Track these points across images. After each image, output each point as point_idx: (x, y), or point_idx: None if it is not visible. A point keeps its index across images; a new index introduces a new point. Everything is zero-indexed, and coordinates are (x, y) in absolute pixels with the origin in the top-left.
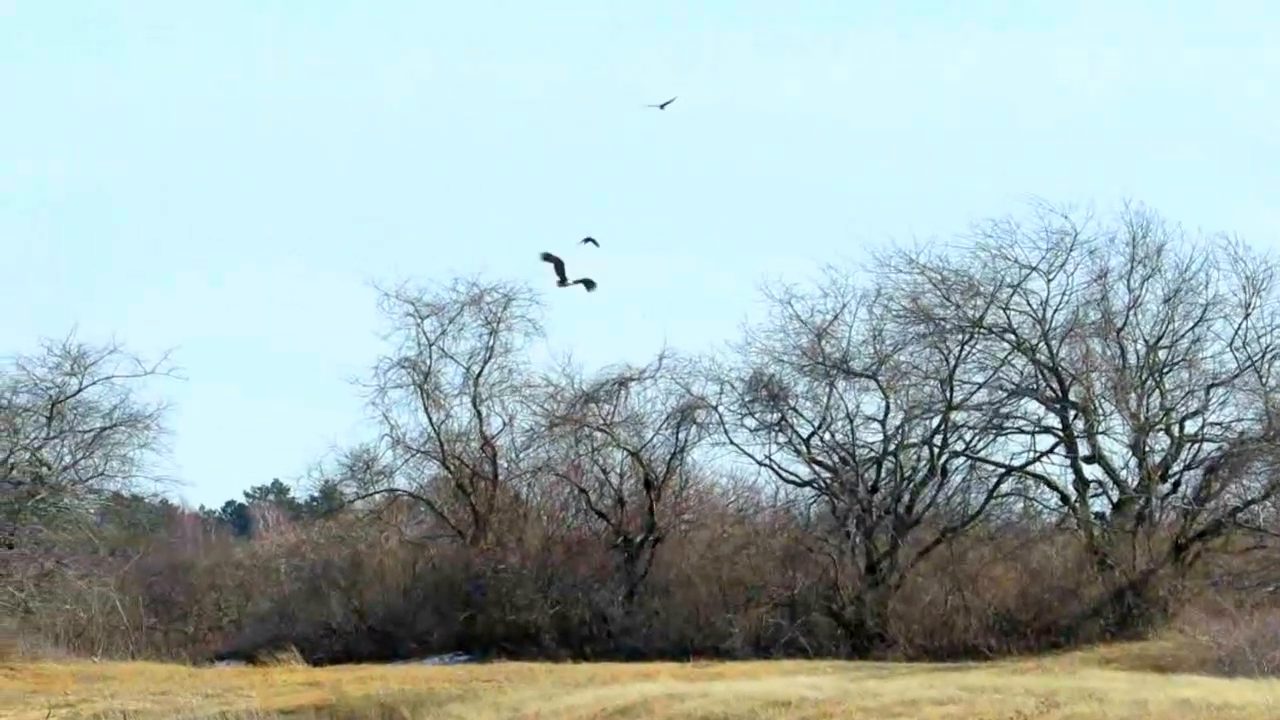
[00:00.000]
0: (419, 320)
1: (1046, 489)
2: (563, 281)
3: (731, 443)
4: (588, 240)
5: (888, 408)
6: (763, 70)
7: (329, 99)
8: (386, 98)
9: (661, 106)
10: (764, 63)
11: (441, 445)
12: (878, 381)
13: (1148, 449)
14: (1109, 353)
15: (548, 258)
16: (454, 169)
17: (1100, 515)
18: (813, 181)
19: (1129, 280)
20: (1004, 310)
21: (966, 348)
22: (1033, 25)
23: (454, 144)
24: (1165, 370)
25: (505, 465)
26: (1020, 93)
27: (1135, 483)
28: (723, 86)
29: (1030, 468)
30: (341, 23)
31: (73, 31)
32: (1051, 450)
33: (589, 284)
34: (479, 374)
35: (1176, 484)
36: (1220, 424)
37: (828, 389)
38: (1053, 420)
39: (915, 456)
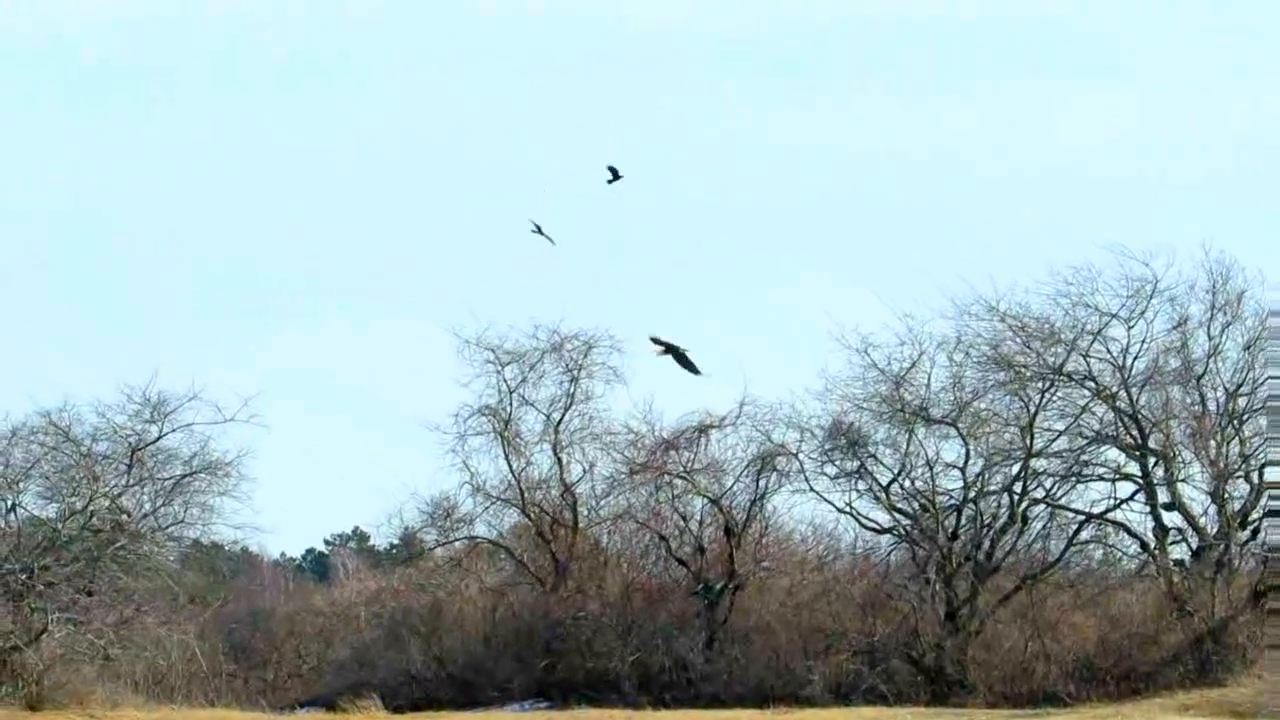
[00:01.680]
0: (499, 367)
1: (1126, 536)
2: (681, 361)
3: (811, 490)
4: (613, 174)
5: (967, 455)
6: (849, 115)
7: (414, 140)
8: (470, 140)
9: (612, 178)
10: (850, 109)
11: (521, 492)
12: (957, 429)
13: (1227, 496)
14: (1189, 400)
15: (658, 342)
16: (536, 214)
17: (1180, 562)
18: (892, 226)
19: (1209, 327)
20: (1084, 357)
21: (1047, 395)
22: (1106, 75)
23: (535, 189)
24: (1245, 417)
25: (585, 512)
26: (1097, 139)
27: (1215, 530)
28: (811, 131)
29: (1110, 515)
30: (430, 66)
31: (151, 76)
32: (1131, 498)
33: (692, 368)
34: (559, 421)
35: (1256, 531)
36: None
37: (907, 436)
38: (1133, 468)
39: (995, 504)
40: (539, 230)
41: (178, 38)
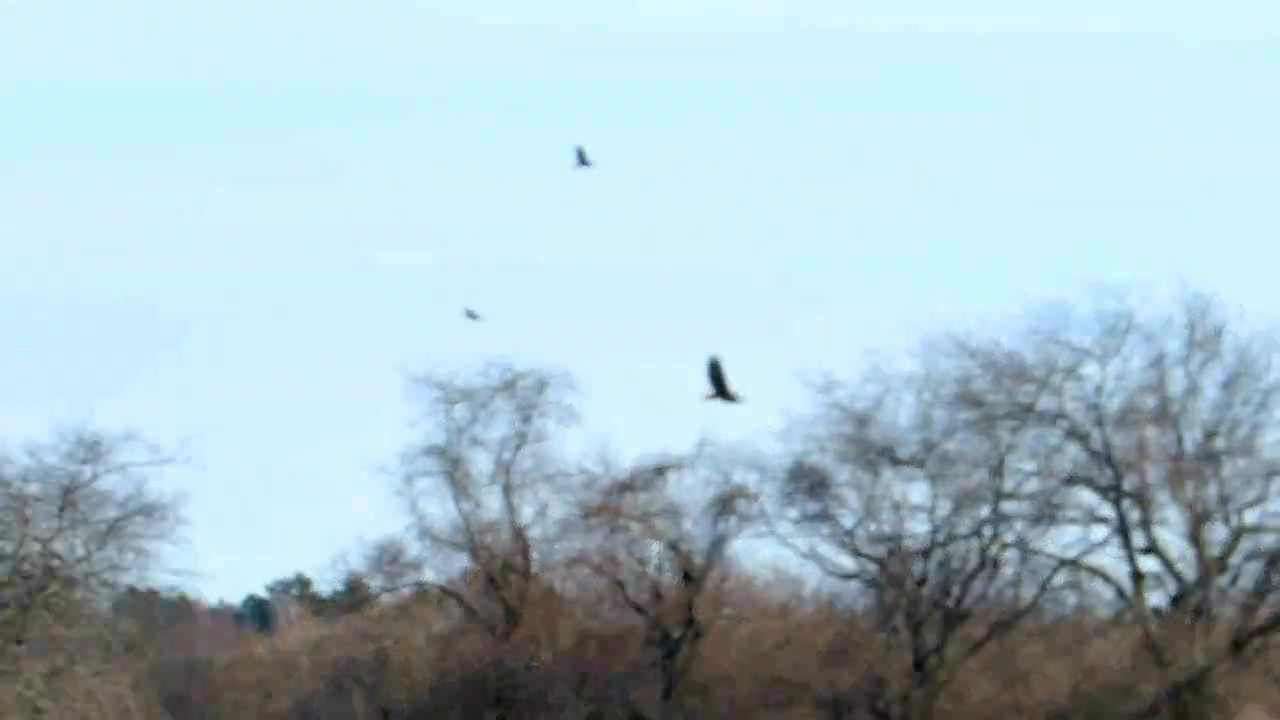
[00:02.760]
0: (448, 406)
1: (1101, 582)
2: (720, 395)
3: (773, 534)
4: (580, 158)
5: (935, 497)
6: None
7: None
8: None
9: (580, 160)
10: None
11: (471, 536)
12: (925, 470)
13: (1205, 540)
14: (1165, 440)
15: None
16: (488, 249)
17: (1156, 609)
18: (850, 263)
19: (1186, 365)
20: (1056, 396)
21: (1017, 435)
22: (1080, 104)
23: (485, 225)
24: (1223, 458)
25: (538, 557)
26: (1069, 168)
27: (1193, 575)
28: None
29: (1084, 559)
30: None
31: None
32: (1106, 542)
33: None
34: (511, 462)
35: (1235, 577)
36: None
37: (872, 478)
38: (1107, 510)
39: (964, 548)
40: (471, 315)
41: None
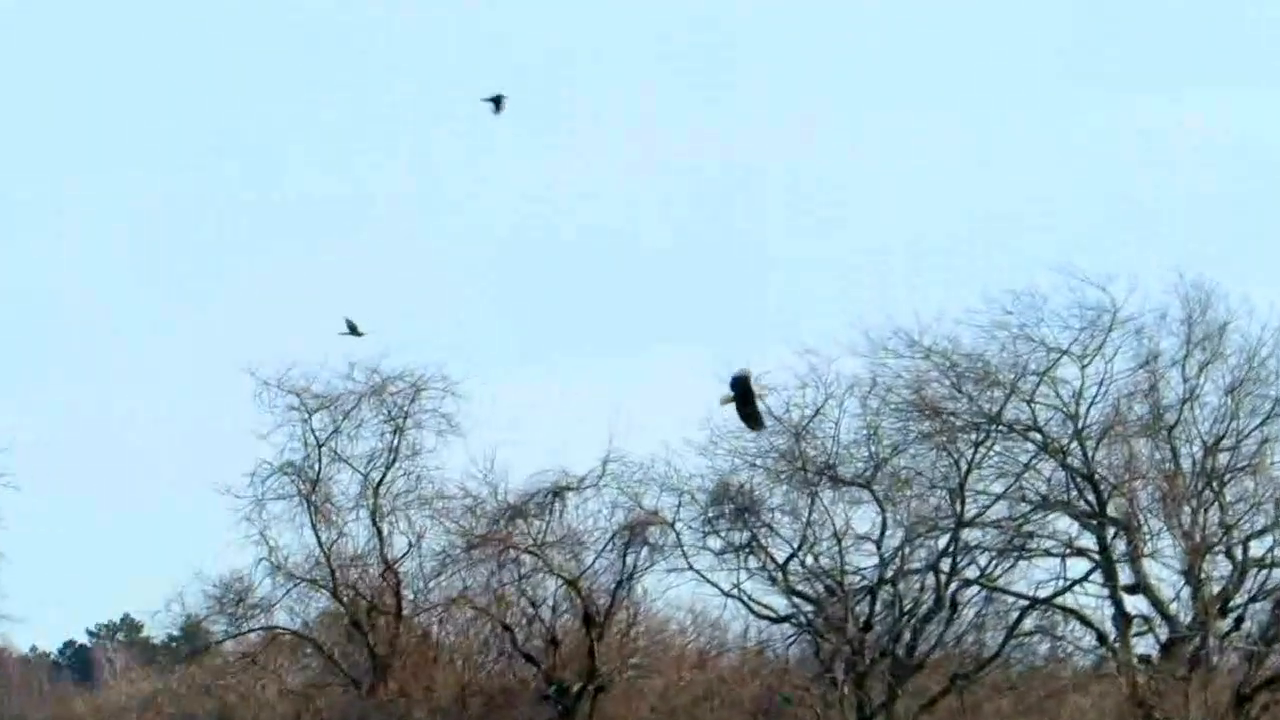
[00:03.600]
0: (306, 415)
1: (1079, 626)
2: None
3: (691, 568)
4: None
5: (884, 524)
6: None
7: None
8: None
9: (495, 106)
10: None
11: (332, 571)
12: (872, 492)
13: (1204, 576)
14: (1157, 456)
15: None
16: (353, 234)
17: (1145, 658)
18: (784, 248)
19: (1183, 367)
20: (1028, 404)
21: (981, 450)
22: (1064, 70)
23: (356, 203)
24: (1227, 478)
25: (411, 596)
26: (1048, 142)
27: (1188, 618)
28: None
29: (1059, 599)
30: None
31: None
32: (1086, 578)
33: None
34: (380, 482)
35: (1239, 620)
36: None
37: (809, 501)
38: (1087, 540)
39: (918, 585)
40: (352, 329)
41: None
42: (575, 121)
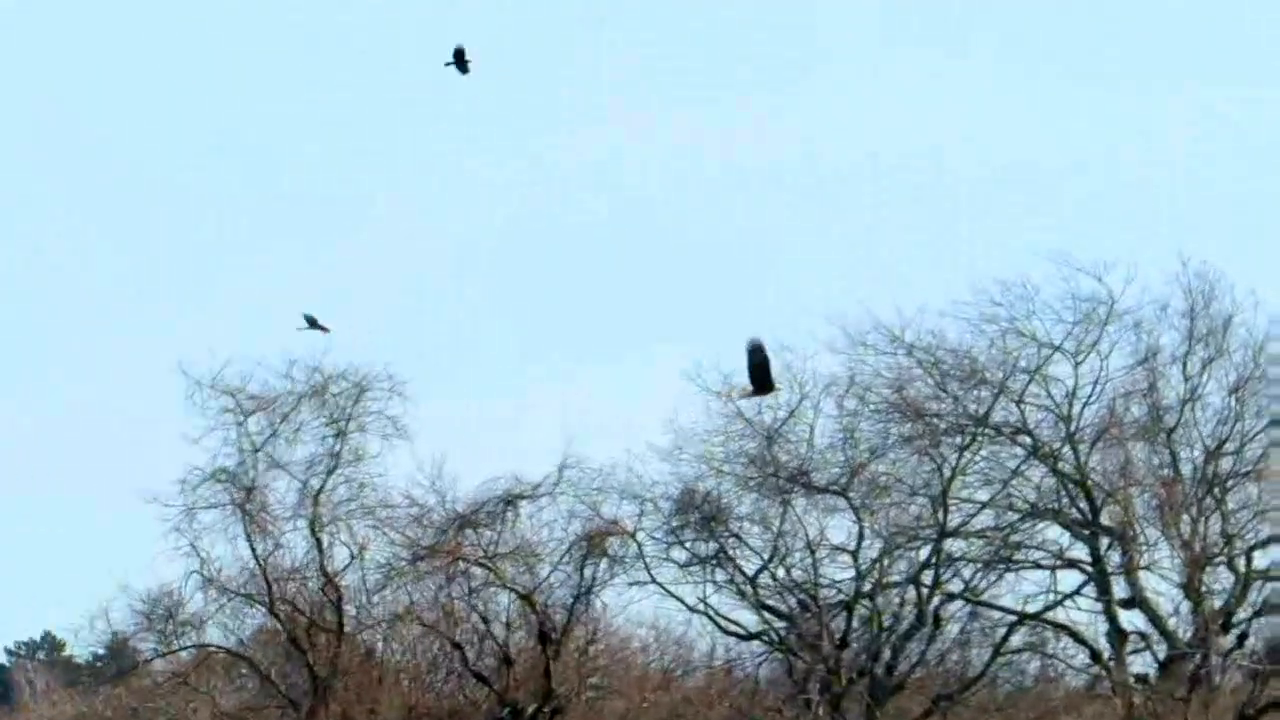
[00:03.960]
0: (241, 418)
1: (1071, 643)
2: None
3: (654, 582)
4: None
5: (861, 534)
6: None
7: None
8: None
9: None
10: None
11: (269, 585)
12: (848, 499)
13: (1205, 589)
14: (1155, 461)
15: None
16: (295, 220)
17: (1142, 678)
18: (755, 237)
19: (1184, 365)
20: (1017, 404)
21: (967, 454)
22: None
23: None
24: (1230, 485)
25: (353, 612)
26: (1040, 119)
27: (1188, 634)
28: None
29: (1050, 614)
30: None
31: None
32: (1078, 591)
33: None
34: (320, 490)
35: (1243, 636)
36: None
37: (781, 509)
38: (1080, 551)
39: (898, 600)
40: (312, 324)
41: None
42: (537, 120)
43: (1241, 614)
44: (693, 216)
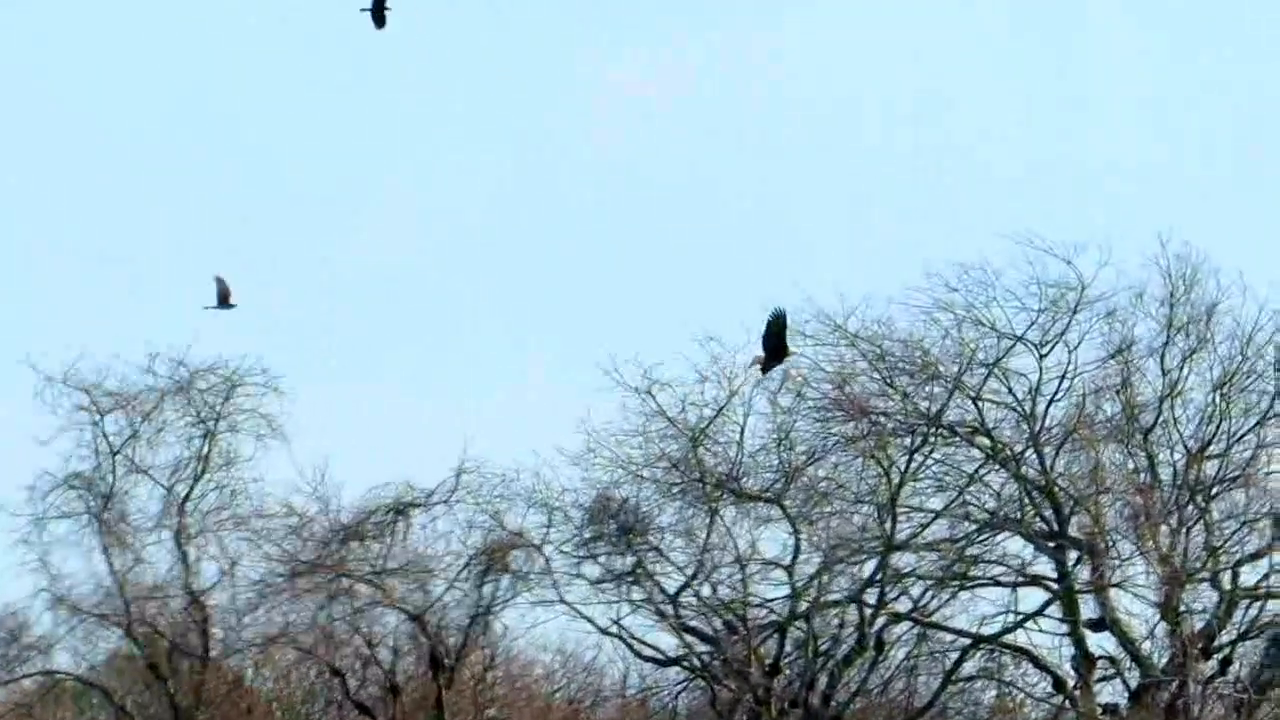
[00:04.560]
0: (97, 417)
1: (1032, 669)
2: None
3: (562, 601)
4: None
5: (797, 547)
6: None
7: None
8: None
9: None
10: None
11: (127, 605)
12: (783, 508)
13: (1185, 609)
14: (1130, 465)
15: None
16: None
17: (1112, 708)
18: (680, 216)
19: (1163, 357)
20: (974, 402)
21: (917, 458)
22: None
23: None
24: (1213, 491)
25: (221, 635)
26: (1004, 83)
27: (1164, 660)
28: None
29: (1009, 637)
30: None
31: None
32: (1041, 611)
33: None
34: (186, 497)
35: (1226, 662)
36: None
37: (707, 520)
38: (1044, 566)
39: (837, 621)
40: (223, 300)
41: None
42: (454, 106)
43: (1225, 637)
44: (611, 191)
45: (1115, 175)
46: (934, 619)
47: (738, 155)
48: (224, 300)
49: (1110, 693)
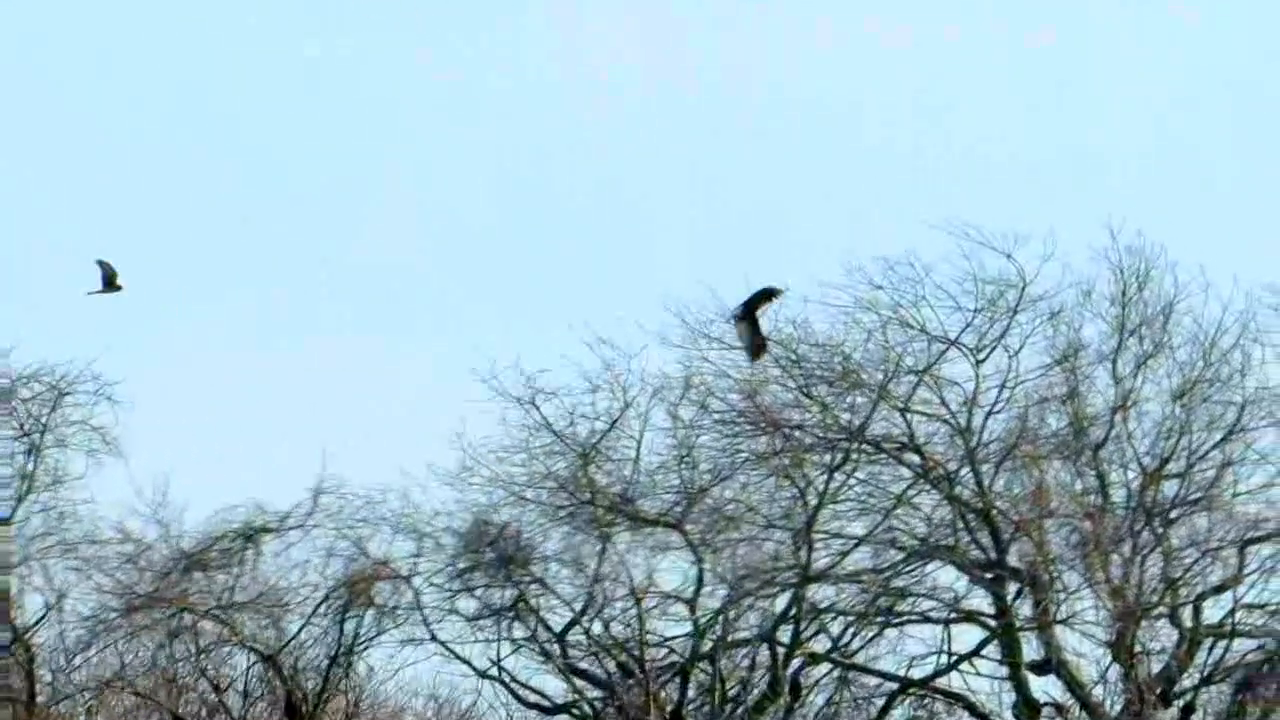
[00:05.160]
0: None
1: (968, 716)
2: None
3: (435, 639)
4: None
5: (701, 579)
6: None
7: None
8: None
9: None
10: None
11: None
12: (685, 534)
13: (1140, 649)
14: (1078, 486)
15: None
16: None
17: None
18: (577, 209)
19: (1115, 364)
20: (902, 413)
21: (837, 477)
22: None
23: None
24: (1173, 516)
25: (49, 677)
26: (935, 51)
27: (1118, 707)
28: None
29: (942, 680)
30: None
31: None
32: (978, 651)
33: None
34: (8, 521)
35: (1188, 709)
36: (1262, 607)
37: (599, 548)
38: (981, 600)
39: (747, 661)
40: (109, 282)
41: None
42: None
43: (1186, 681)
44: (497, 177)
45: (1059, 159)
46: (857, 660)
47: (643, 139)
48: (110, 283)
49: None
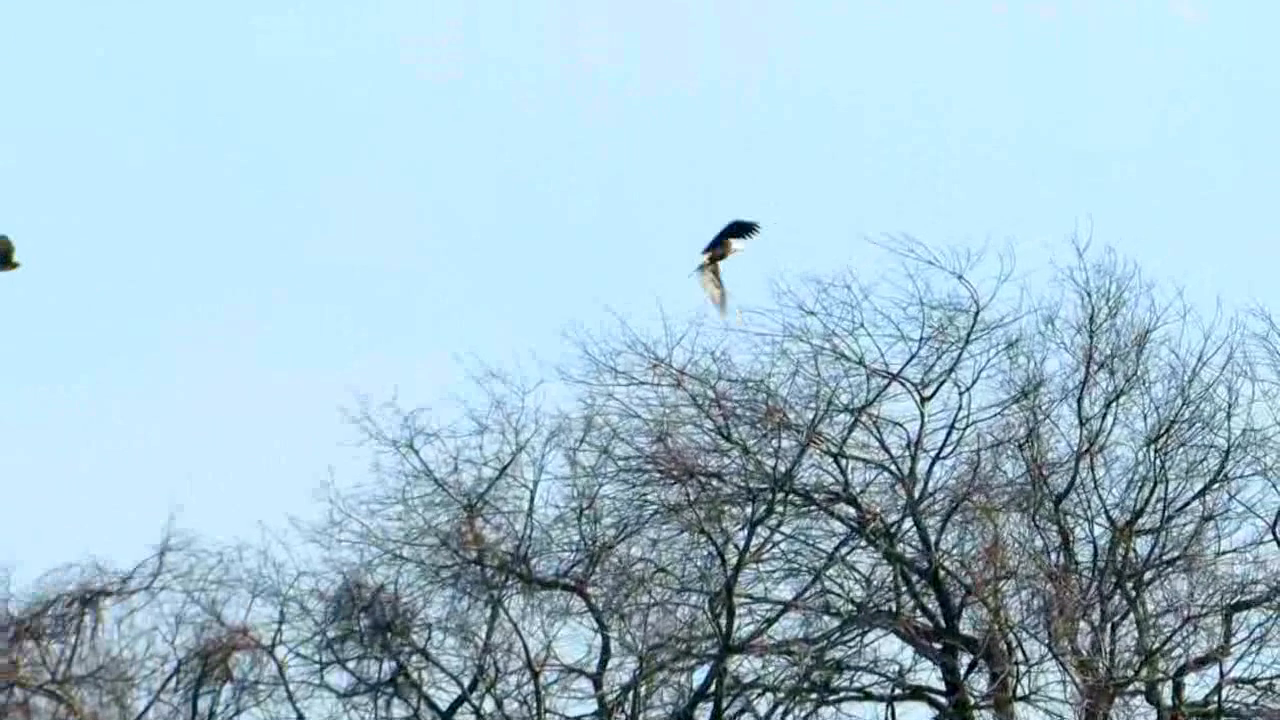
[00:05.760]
0: None
1: None
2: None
3: (302, 718)
4: None
5: (607, 649)
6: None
7: None
8: None
9: None
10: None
11: None
12: (587, 598)
13: None
14: (1039, 543)
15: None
16: None
17: None
18: (466, 222)
19: (1080, 398)
20: (835, 459)
21: (761, 532)
22: None
23: None
24: (1147, 578)
25: None
26: (881, 45)
27: None
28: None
29: None
30: None
31: None
32: None
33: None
34: None
35: None
36: (1252, 682)
37: (489, 613)
38: (927, 673)
39: None
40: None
41: None
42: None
43: None
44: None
45: (1015, 164)
46: None
47: (547, 141)
48: (5, 260)
49: None
